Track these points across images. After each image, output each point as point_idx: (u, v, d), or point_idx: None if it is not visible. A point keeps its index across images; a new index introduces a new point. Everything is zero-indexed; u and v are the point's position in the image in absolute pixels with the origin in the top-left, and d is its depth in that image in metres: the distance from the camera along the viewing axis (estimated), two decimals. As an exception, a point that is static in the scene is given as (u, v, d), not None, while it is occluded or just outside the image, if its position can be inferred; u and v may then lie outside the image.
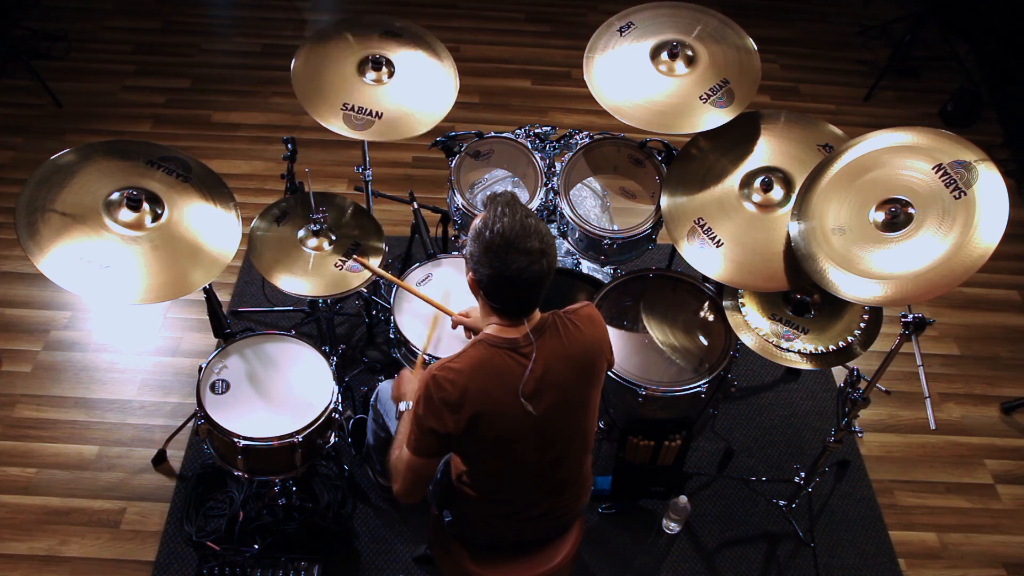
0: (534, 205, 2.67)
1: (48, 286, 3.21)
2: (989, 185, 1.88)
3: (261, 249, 2.49)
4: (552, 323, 1.79)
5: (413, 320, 2.49)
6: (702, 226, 2.33)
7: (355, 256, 2.47)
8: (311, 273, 2.46)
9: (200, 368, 2.28)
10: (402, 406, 1.95)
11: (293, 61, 2.52)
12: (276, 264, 2.46)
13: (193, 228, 2.16)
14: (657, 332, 2.50)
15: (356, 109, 2.49)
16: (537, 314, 1.78)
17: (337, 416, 2.32)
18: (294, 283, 2.43)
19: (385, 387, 2.39)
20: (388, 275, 2.43)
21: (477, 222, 1.70)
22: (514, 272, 1.65)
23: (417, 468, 1.80)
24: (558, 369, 1.76)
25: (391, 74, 2.57)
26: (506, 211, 1.66)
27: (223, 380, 2.29)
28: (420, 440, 1.76)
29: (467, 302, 2.25)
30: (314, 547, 2.53)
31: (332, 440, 2.34)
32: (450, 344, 2.42)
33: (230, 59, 4.48)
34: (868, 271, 1.96)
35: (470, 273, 1.73)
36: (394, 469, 1.85)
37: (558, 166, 2.73)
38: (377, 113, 2.50)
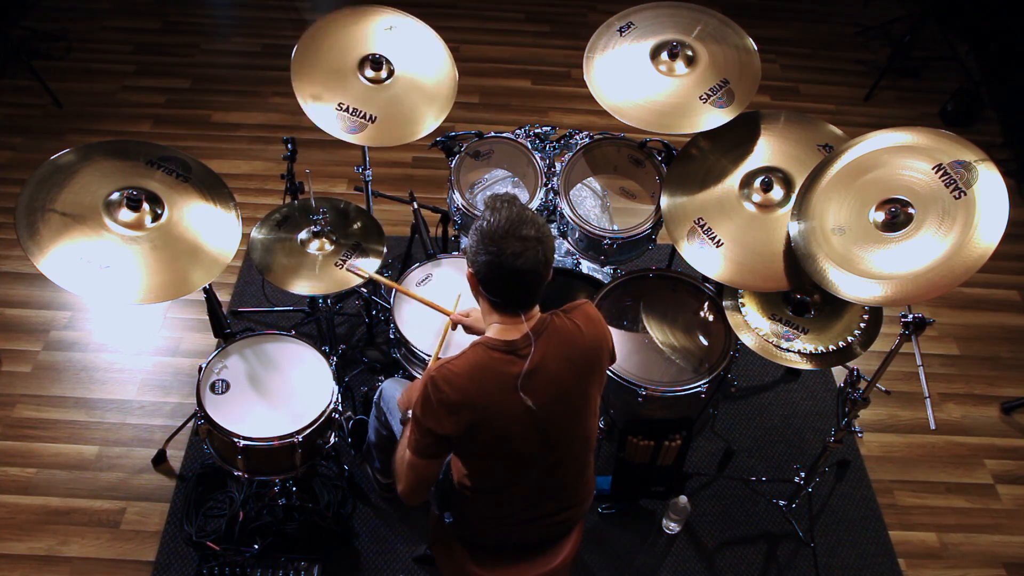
0: (534, 205, 2.67)
1: (48, 286, 3.21)
2: (989, 185, 1.88)
3: (265, 256, 2.50)
4: (551, 322, 1.80)
5: (413, 320, 2.49)
6: (702, 226, 2.33)
7: (348, 266, 2.47)
8: (319, 274, 2.46)
9: (200, 368, 2.28)
10: (409, 412, 1.95)
11: (294, 51, 2.50)
12: (283, 269, 2.47)
13: (193, 228, 2.16)
14: (657, 332, 2.50)
15: (350, 110, 2.47)
16: (537, 313, 1.79)
17: (337, 416, 2.32)
18: (302, 285, 2.44)
19: (389, 385, 2.39)
20: (384, 279, 2.44)
21: (478, 219, 1.73)
22: (509, 258, 1.65)
23: (418, 469, 1.80)
24: (556, 367, 1.76)
25: (390, 74, 2.56)
26: (505, 205, 1.70)
27: (223, 380, 2.29)
28: (419, 441, 1.76)
29: (469, 303, 2.24)
30: (314, 547, 2.53)
31: (332, 440, 2.34)
32: (457, 346, 2.40)
33: (230, 59, 4.48)
34: (868, 271, 1.96)
35: (469, 268, 1.74)
36: (397, 470, 1.85)
37: (558, 166, 2.73)
38: (371, 116, 2.49)
